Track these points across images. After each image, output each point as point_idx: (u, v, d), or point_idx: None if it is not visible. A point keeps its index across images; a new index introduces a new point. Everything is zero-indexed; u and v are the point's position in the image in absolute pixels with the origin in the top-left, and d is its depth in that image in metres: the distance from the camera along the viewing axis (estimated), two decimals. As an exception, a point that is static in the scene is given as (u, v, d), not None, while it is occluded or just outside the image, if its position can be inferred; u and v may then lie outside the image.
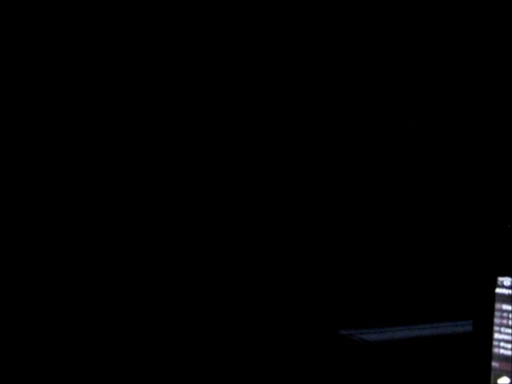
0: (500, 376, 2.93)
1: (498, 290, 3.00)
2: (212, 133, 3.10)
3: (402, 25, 3.39)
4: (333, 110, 3.43)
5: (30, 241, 2.80)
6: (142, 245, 3.06)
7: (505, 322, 2.97)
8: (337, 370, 3.32)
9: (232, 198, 3.23)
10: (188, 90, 3.07)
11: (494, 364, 2.96)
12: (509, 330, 2.94)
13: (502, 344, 2.95)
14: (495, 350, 2.97)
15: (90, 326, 2.94)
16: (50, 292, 2.85)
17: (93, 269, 2.94)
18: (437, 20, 3.50)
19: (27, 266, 2.80)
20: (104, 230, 2.95)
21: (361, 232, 3.72)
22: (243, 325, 3.29)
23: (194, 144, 3.11)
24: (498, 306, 3.00)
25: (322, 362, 3.35)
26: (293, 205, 3.44)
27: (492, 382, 2.95)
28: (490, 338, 3.01)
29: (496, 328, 2.99)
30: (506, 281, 2.97)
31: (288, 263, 3.45)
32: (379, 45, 3.38)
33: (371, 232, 3.76)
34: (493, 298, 3.01)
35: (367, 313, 3.81)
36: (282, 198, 3.40)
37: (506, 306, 2.97)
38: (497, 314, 3.00)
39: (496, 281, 3.00)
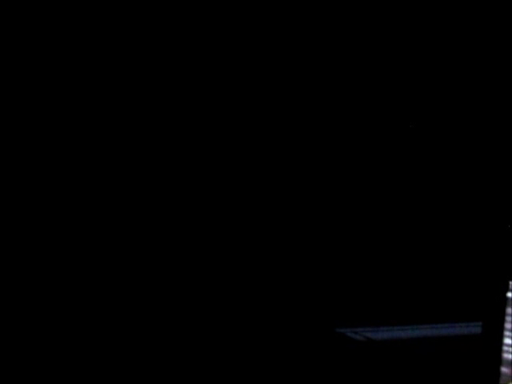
0: (509, 382, 2.86)
1: (511, 295, 2.92)
2: (212, 133, 3.06)
3: (402, 25, 3.32)
4: (333, 110, 3.37)
5: (30, 241, 2.78)
6: (142, 245, 3.03)
7: (516, 326, 2.89)
8: (342, 368, 3.27)
9: (233, 198, 3.19)
10: (188, 91, 3.03)
11: (504, 369, 2.89)
12: (520, 336, 2.87)
13: (512, 349, 2.88)
14: (505, 355, 2.90)
15: (90, 326, 2.92)
16: (50, 292, 2.83)
17: (93, 269, 2.92)
18: (437, 20, 3.42)
19: (27, 266, 2.78)
20: (104, 231, 2.93)
21: (370, 232, 3.66)
22: (253, 328, 3.26)
23: (194, 145, 3.08)
24: (509, 310, 2.93)
25: (327, 361, 3.31)
26: (296, 203, 3.39)
27: (501, 387, 2.88)
28: (500, 343, 2.94)
29: (507, 333, 2.92)
30: (519, 285, 2.89)
31: (294, 263, 3.41)
32: (379, 45, 3.31)
33: (381, 232, 3.70)
34: (504, 302, 2.93)
35: (375, 312, 3.75)
36: (284, 197, 3.35)
37: (517, 311, 2.89)
38: (508, 318, 2.92)
39: (508, 285, 2.92)
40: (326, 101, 3.24)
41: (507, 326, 2.95)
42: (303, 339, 3.42)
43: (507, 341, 2.95)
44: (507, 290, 2.94)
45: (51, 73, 2.74)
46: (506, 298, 2.94)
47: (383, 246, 3.75)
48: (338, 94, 3.26)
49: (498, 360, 2.99)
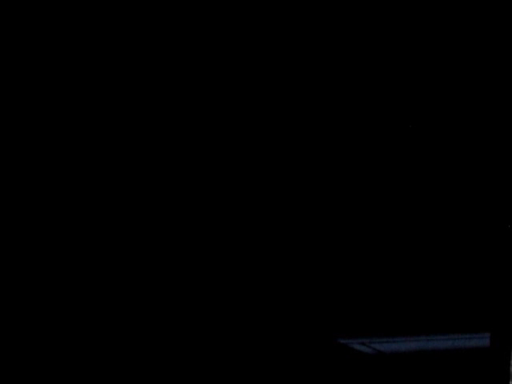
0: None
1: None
2: (212, 133, 3.06)
3: (402, 25, 3.33)
4: (333, 110, 3.36)
5: (30, 241, 2.76)
6: (142, 245, 3.01)
7: (526, 338, 2.83)
8: (347, 381, 3.23)
9: (232, 205, 3.16)
10: (188, 91, 3.03)
11: (513, 383, 2.83)
12: (530, 348, 2.81)
13: (522, 362, 2.82)
14: (514, 368, 2.83)
15: (90, 327, 2.89)
16: (50, 292, 2.81)
17: (93, 269, 2.89)
18: (437, 20, 3.43)
19: (27, 267, 2.76)
20: (104, 231, 2.91)
21: (377, 240, 3.62)
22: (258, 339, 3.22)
23: (194, 145, 3.07)
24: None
25: (330, 376, 3.26)
26: (300, 209, 3.36)
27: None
28: (509, 356, 2.88)
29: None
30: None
31: (304, 271, 3.37)
32: (379, 45, 3.32)
33: (388, 241, 3.66)
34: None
35: (382, 323, 3.71)
36: (285, 202, 3.32)
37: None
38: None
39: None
40: (326, 101, 3.23)
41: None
42: (302, 350, 3.36)
43: (517, 353, 2.88)
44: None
45: (51, 73, 2.73)
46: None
47: (393, 252, 3.72)
48: (337, 94, 3.25)
49: (506, 375, 2.93)
